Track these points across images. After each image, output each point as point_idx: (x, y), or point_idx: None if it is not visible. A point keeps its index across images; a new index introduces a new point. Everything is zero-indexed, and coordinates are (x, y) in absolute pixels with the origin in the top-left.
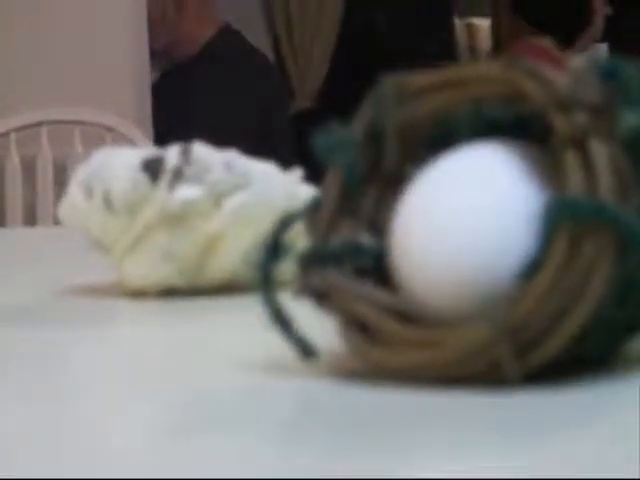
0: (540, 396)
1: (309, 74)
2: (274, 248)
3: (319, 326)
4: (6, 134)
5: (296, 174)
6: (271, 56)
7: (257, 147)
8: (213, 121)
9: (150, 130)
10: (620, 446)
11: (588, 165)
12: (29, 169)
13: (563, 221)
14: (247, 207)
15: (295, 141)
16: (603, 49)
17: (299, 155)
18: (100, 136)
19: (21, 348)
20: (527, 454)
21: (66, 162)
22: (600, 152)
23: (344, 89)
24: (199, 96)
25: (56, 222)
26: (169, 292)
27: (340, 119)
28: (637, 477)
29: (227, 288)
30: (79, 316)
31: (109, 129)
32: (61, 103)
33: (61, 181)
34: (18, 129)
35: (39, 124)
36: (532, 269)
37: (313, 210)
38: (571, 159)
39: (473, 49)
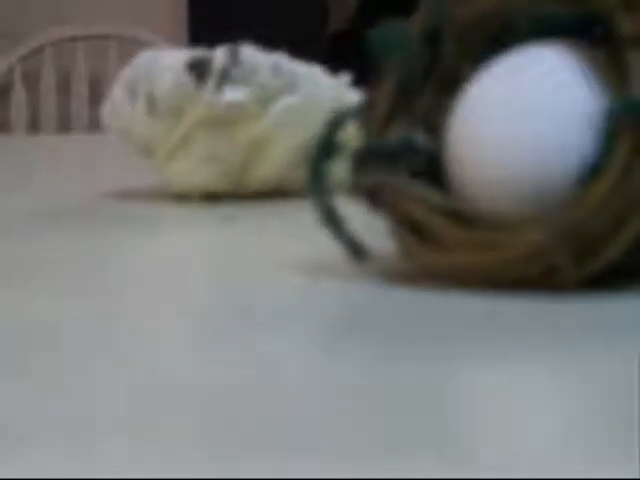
0: (595, 304)
1: None
2: (326, 146)
3: (371, 227)
4: (41, 48)
5: (344, 78)
6: None
7: None
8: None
9: (186, 45)
10: None
11: None
12: (64, 83)
13: (625, 123)
14: (294, 110)
15: (330, 63)
16: None
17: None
18: (134, 51)
19: (68, 251)
20: (575, 362)
21: (100, 76)
22: None
23: (379, 12)
24: (233, 14)
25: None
26: (213, 196)
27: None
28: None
29: (272, 193)
30: (123, 220)
31: (143, 44)
32: (95, 18)
33: (95, 94)
34: (53, 43)
35: (73, 39)
36: (593, 173)
37: (368, 108)
38: (635, 60)
39: None
